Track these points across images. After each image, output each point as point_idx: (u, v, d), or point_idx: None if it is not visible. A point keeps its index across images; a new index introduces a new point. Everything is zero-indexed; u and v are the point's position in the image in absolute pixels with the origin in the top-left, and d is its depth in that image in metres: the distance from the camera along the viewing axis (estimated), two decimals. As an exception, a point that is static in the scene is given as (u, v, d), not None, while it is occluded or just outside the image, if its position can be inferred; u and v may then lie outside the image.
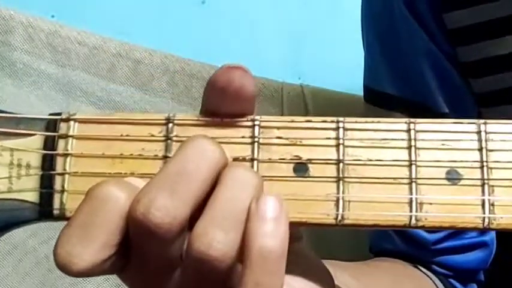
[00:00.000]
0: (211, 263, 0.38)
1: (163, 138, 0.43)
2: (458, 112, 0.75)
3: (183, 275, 0.40)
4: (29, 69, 0.99)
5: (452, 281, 0.77)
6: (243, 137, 0.43)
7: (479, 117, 0.75)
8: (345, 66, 1.13)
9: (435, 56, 0.74)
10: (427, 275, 0.75)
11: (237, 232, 0.39)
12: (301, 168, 0.42)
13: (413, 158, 0.43)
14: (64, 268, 0.38)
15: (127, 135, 0.43)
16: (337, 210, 0.41)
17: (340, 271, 0.55)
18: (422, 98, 0.75)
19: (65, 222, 0.40)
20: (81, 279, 0.93)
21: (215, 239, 0.38)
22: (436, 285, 0.75)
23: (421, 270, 0.76)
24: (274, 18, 1.33)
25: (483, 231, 0.74)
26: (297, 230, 0.42)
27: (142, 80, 1.03)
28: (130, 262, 0.40)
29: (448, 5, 0.72)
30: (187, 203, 0.39)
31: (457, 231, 0.74)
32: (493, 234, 0.77)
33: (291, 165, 0.42)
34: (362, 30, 0.82)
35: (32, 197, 0.42)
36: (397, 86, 0.77)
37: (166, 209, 0.38)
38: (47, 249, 0.94)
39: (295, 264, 0.43)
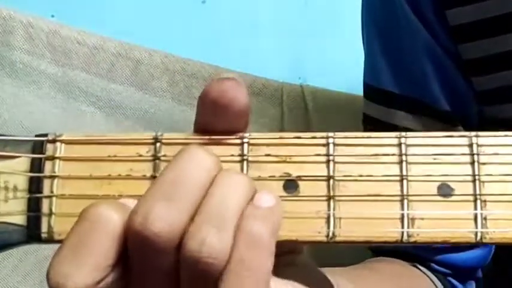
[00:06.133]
0: (204, 260, 0.38)
1: (151, 158, 0.43)
2: (459, 110, 0.75)
3: (181, 281, 0.40)
4: (29, 69, 0.99)
5: (451, 279, 0.77)
6: (232, 155, 0.43)
7: (481, 115, 0.75)
8: (345, 66, 1.13)
9: (436, 53, 0.74)
10: (426, 274, 0.75)
11: (230, 230, 0.39)
12: (291, 185, 0.42)
13: (404, 173, 0.43)
14: None
15: (114, 156, 0.43)
16: (328, 227, 0.41)
17: (340, 279, 0.55)
18: (423, 95, 0.75)
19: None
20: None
21: (208, 236, 0.38)
22: (435, 284, 0.75)
23: (419, 269, 0.75)
24: (274, 18, 1.33)
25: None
26: None
27: (142, 80, 1.03)
28: (131, 282, 0.40)
29: (450, 1, 0.72)
30: (184, 210, 0.39)
31: None
32: None
33: (281, 183, 0.42)
34: (362, 27, 0.82)
35: (20, 220, 0.42)
36: (398, 84, 0.77)
37: (164, 217, 0.38)
38: (47, 249, 0.94)
39: (298, 276, 0.43)
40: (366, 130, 0.81)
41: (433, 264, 0.76)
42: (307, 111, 1.08)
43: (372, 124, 0.79)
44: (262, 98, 1.07)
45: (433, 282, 0.75)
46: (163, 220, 0.38)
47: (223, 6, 1.31)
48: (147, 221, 0.38)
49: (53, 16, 1.20)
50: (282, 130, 1.07)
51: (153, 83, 1.03)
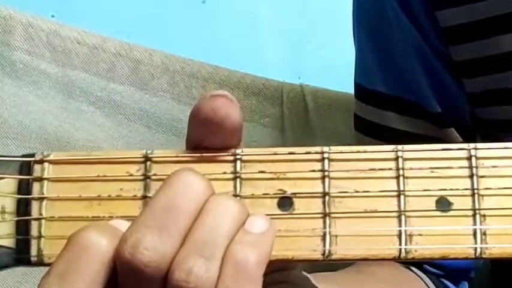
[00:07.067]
0: None
1: (141, 177, 0.42)
2: (450, 112, 0.75)
3: None
4: (29, 69, 0.98)
5: (443, 280, 0.77)
6: (224, 173, 0.42)
7: (472, 117, 0.75)
8: (345, 66, 1.12)
9: (426, 55, 0.73)
10: (419, 276, 0.75)
11: (218, 259, 0.38)
12: (285, 202, 0.41)
13: (401, 188, 0.42)
14: None
15: (104, 176, 0.42)
16: (324, 245, 0.41)
17: (334, 287, 0.55)
18: (414, 96, 0.75)
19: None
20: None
21: (196, 265, 0.38)
22: (428, 286, 0.75)
23: (412, 271, 0.75)
24: (274, 18, 1.33)
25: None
26: None
27: (142, 80, 1.03)
28: None
29: (441, 3, 0.71)
30: (176, 238, 0.38)
31: None
32: None
33: (275, 200, 0.41)
34: (353, 27, 0.81)
35: (9, 242, 0.41)
36: (389, 84, 0.76)
37: (154, 247, 0.38)
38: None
39: None
40: (357, 132, 0.80)
41: (425, 266, 0.76)
42: (307, 111, 1.08)
43: (363, 126, 0.79)
44: (262, 98, 1.06)
45: (426, 284, 0.75)
46: (152, 250, 0.38)
47: (223, 6, 1.31)
48: (137, 251, 0.37)
49: (53, 16, 1.20)
50: (282, 130, 1.06)
51: (153, 83, 1.03)
